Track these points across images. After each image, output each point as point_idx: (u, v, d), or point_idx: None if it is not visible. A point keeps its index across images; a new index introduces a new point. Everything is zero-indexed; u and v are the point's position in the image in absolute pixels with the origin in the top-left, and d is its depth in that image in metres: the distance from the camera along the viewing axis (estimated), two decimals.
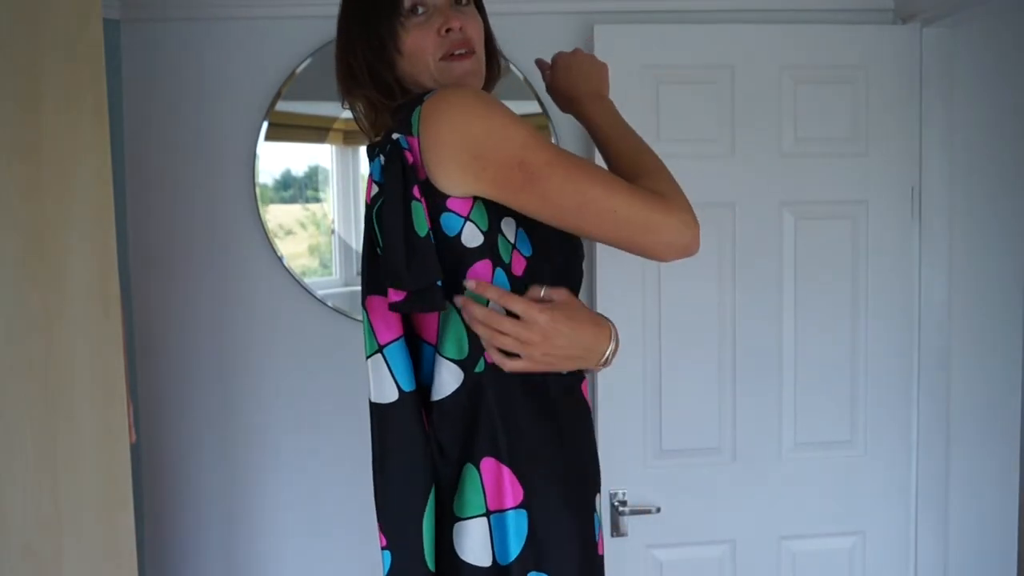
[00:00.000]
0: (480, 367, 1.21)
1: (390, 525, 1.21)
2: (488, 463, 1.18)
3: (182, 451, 2.35)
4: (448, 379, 1.21)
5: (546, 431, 1.22)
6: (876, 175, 2.26)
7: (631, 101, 2.19)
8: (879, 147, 2.25)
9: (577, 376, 1.29)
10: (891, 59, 2.24)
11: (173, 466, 2.35)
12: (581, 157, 1.23)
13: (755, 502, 2.26)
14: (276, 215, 2.33)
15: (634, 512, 2.19)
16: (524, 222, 1.22)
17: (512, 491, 1.18)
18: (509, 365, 1.18)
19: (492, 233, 1.20)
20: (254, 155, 2.29)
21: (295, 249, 2.34)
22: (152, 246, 2.31)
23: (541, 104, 2.29)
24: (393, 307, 1.17)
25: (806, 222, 2.25)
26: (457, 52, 1.27)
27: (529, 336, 1.16)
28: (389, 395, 1.20)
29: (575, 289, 1.30)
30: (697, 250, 1.22)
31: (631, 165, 1.29)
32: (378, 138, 1.32)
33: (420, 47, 1.27)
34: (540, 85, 2.29)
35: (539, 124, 2.28)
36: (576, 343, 1.20)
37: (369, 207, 1.26)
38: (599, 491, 1.31)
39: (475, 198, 1.18)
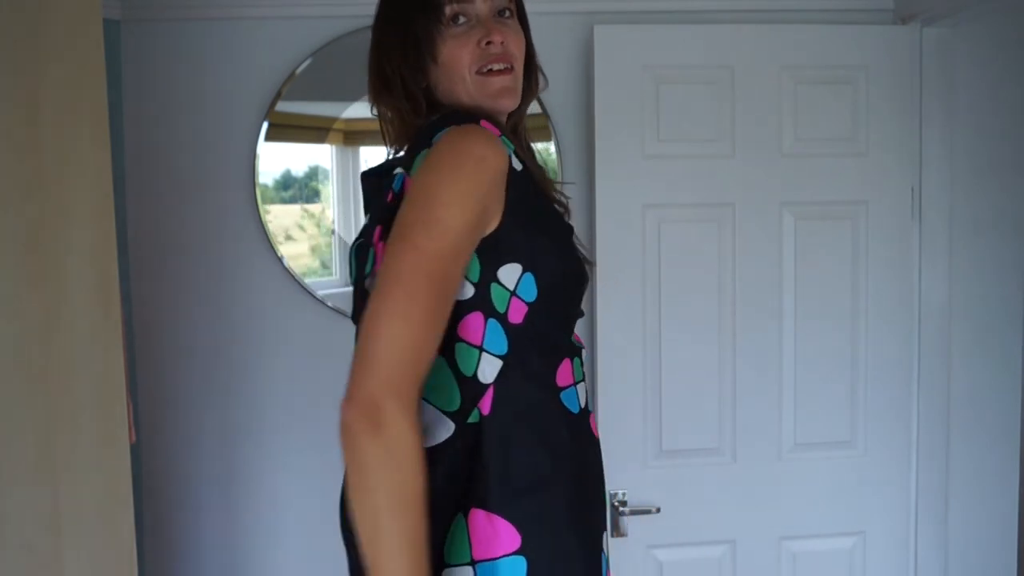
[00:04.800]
0: (474, 417, 1.17)
1: None
2: (476, 514, 1.15)
3: (182, 451, 2.35)
4: (439, 428, 1.17)
5: (552, 476, 1.18)
6: (876, 175, 2.26)
7: (631, 101, 2.19)
8: (879, 147, 2.25)
9: (585, 412, 1.26)
10: (891, 59, 2.23)
11: (173, 466, 2.35)
12: (448, 286, 1.10)
13: (755, 502, 2.26)
14: (276, 215, 2.33)
15: (634, 512, 2.19)
16: (536, 267, 1.17)
17: (507, 538, 1.14)
18: None
19: (484, 284, 1.15)
20: (254, 155, 2.29)
21: (295, 249, 2.34)
22: (152, 246, 2.31)
23: (541, 104, 2.29)
24: None
25: (806, 222, 2.25)
26: (496, 67, 1.23)
27: None
28: None
29: (570, 331, 1.28)
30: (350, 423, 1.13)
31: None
32: (400, 153, 1.28)
33: (457, 58, 1.22)
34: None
35: (539, 125, 2.28)
36: None
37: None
38: (605, 529, 1.28)
39: None
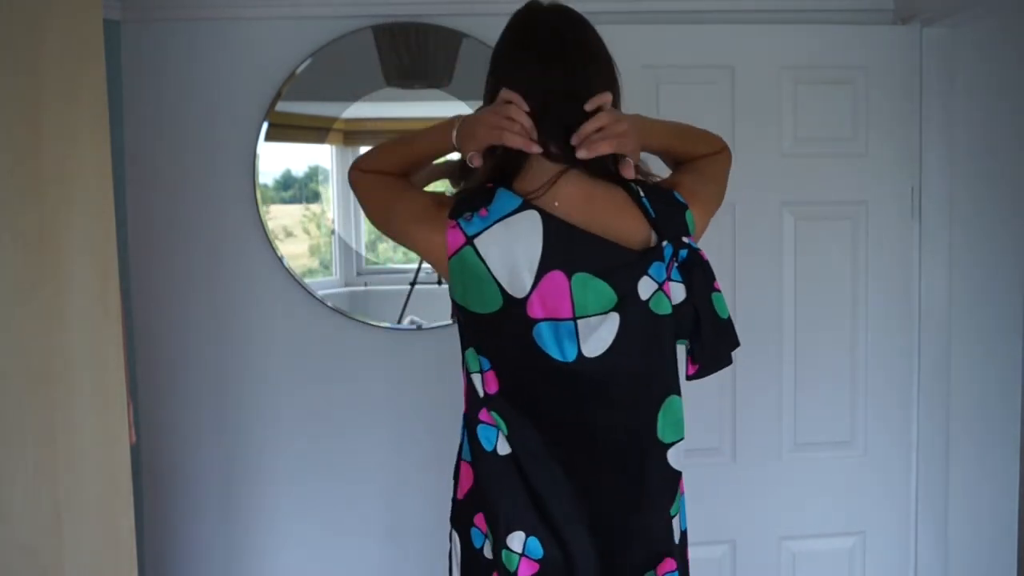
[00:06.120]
0: None
1: (677, 554, 1.59)
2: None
3: (182, 451, 2.35)
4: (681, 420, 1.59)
5: None
6: (876, 175, 2.26)
7: (631, 101, 2.18)
8: (879, 147, 2.25)
9: None
10: (891, 59, 2.23)
11: (173, 466, 2.35)
12: None
13: (755, 502, 2.26)
14: (276, 215, 2.33)
15: None
16: None
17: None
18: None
19: None
20: (254, 155, 2.29)
21: (295, 249, 2.34)
22: (152, 246, 2.31)
23: None
24: (690, 378, 1.47)
25: (806, 222, 2.25)
26: None
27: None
28: (680, 465, 1.57)
29: None
30: None
31: (697, 147, 1.54)
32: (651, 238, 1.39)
33: None
34: None
35: None
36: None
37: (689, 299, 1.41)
38: None
39: None
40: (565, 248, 1.34)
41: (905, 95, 2.25)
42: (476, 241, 1.34)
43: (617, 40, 2.20)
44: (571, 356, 1.35)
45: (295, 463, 2.36)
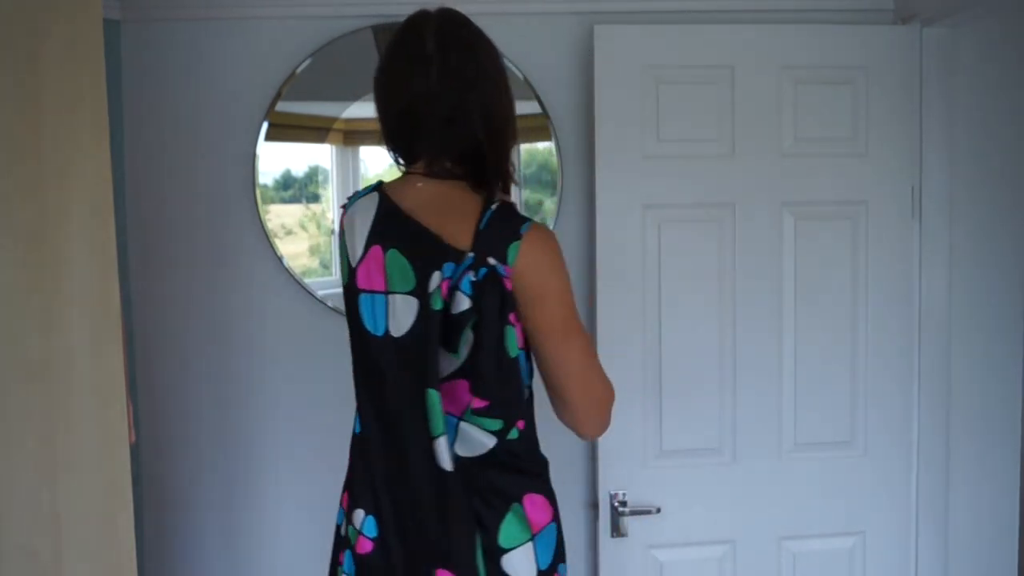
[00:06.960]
0: (514, 435, 1.45)
1: (460, 566, 1.41)
2: (529, 498, 1.45)
3: (182, 451, 2.35)
4: (485, 442, 1.44)
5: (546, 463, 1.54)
6: (876, 175, 2.26)
7: (631, 101, 2.19)
8: (879, 147, 2.25)
9: None
10: (891, 59, 2.24)
11: (173, 466, 2.35)
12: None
13: (755, 502, 2.26)
14: (276, 215, 2.33)
15: (634, 512, 2.19)
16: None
17: (545, 512, 1.47)
18: None
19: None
20: (254, 155, 2.29)
21: (295, 249, 2.34)
22: (152, 246, 2.31)
23: (541, 104, 2.29)
24: (478, 412, 1.41)
25: (806, 222, 2.25)
26: None
27: None
28: (448, 464, 1.40)
29: None
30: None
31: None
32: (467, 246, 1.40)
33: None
34: (540, 85, 2.30)
35: (539, 125, 2.28)
36: None
37: (445, 308, 1.37)
38: None
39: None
40: (387, 226, 1.44)
41: (905, 95, 2.25)
42: (343, 219, 1.54)
43: (617, 40, 2.21)
44: (380, 331, 1.43)
45: (295, 463, 2.36)
